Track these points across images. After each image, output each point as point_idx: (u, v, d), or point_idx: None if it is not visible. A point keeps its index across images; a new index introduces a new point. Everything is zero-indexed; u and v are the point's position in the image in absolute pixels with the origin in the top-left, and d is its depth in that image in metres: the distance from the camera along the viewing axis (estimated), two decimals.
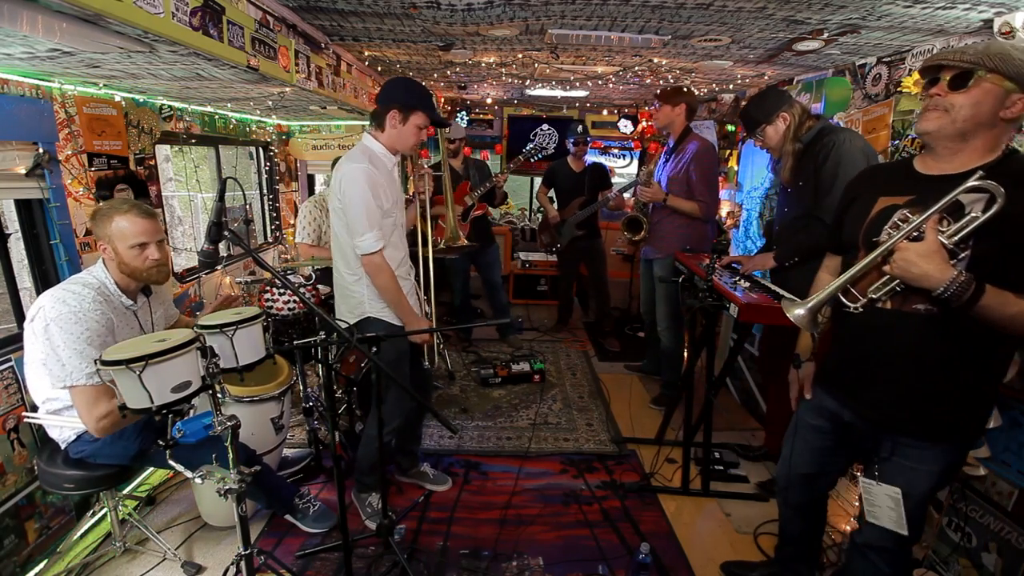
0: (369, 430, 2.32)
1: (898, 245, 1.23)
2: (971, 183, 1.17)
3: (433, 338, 2.19)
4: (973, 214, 1.18)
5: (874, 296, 1.31)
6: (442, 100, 5.30)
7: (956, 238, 1.19)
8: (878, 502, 1.45)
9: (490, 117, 5.60)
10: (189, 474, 1.55)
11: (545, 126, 5.58)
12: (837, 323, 1.49)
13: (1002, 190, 1.13)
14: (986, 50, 1.17)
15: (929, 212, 1.21)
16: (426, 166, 2.24)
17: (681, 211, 3.13)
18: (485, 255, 4.23)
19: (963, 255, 1.21)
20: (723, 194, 4.33)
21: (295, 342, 1.91)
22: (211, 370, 1.48)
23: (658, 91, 3.18)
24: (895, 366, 1.36)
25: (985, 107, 1.19)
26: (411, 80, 2.15)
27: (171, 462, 1.61)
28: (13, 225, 2.21)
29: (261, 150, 4.14)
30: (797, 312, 1.37)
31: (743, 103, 2.65)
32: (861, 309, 1.34)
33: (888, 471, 1.43)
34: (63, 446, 1.88)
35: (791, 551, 1.87)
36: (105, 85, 2.23)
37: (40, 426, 1.94)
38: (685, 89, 3.21)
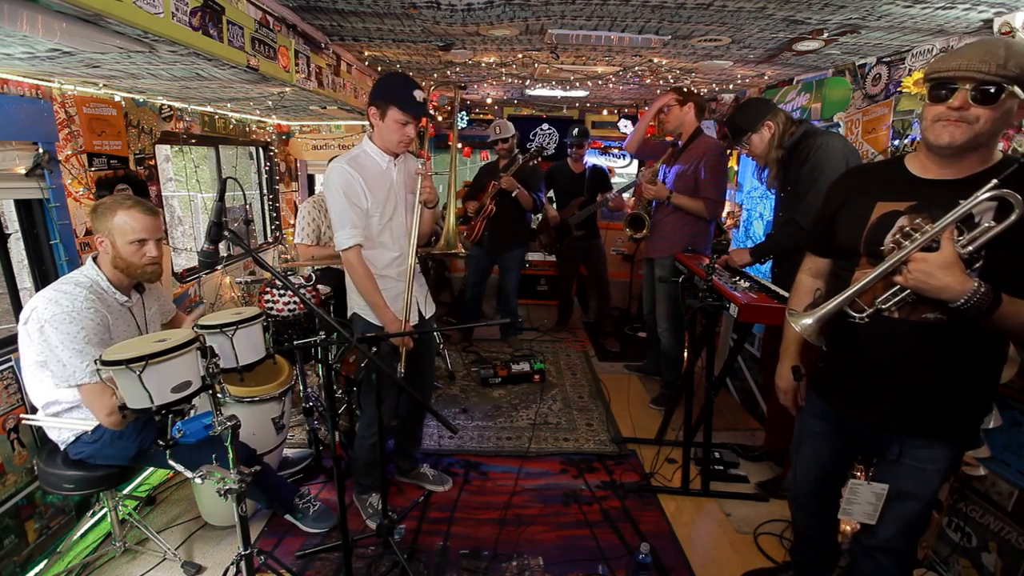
0: (359, 431, 2.32)
1: (913, 256, 1.20)
2: (990, 193, 1.13)
3: (411, 343, 2.16)
4: (987, 224, 1.16)
5: (882, 307, 1.29)
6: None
7: (971, 247, 1.17)
8: (859, 500, 1.47)
9: (490, 117, 5.60)
10: (189, 474, 1.55)
11: (545, 126, 5.58)
12: (836, 332, 1.46)
13: (1021, 199, 1.11)
14: (1012, 58, 1.11)
15: (946, 221, 1.17)
16: (422, 165, 2.18)
17: (685, 209, 3.11)
18: (504, 259, 4.19)
19: (976, 265, 1.19)
20: None
21: (295, 342, 1.91)
22: (211, 370, 1.48)
23: (671, 88, 3.18)
24: (904, 373, 1.34)
25: (1007, 120, 1.17)
26: (393, 74, 2.09)
27: (171, 462, 1.61)
28: (13, 225, 2.21)
29: (261, 150, 4.14)
30: (804, 323, 1.34)
31: (729, 112, 2.69)
32: (867, 319, 1.32)
33: (897, 473, 1.42)
34: (62, 447, 1.88)
35: (810, 554, 1.86)
36: (105, 85, 2.22)
37: (39, 426, 1.94)
38: (694, 91, 3.22)
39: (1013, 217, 1.12)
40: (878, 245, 1.31)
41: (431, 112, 2.07)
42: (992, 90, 1.12)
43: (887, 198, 1.33)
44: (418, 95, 1.99)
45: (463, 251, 2.20)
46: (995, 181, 1.13)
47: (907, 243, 1.21)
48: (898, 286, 1.25)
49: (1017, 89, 1.11)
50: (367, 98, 2.09)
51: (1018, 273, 1.17)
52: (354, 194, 2.03)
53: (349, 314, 2.26)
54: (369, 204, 2.07)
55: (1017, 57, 1.11)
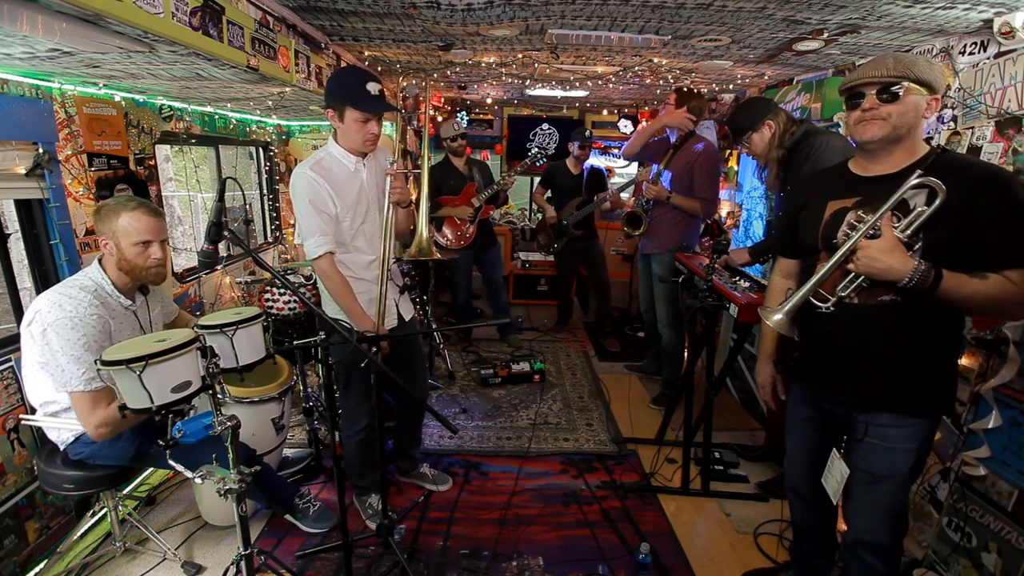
0: (342, 432, 2.27)
1: (859, 244, 1.34)
2: (915, 181, 1.30)
3: (388, 347, 2.15)
4: (919, 208, 1.31)
5: (843, 294, 1.41)
6: (442, 100, 5.30)
7: (908, 231, 1.32)
8: (834, 471, 1.59)
9: (490, 117, 5.60)
10: (189, 474, 1.55)
11: (545, 126, 5.58)
12: (808, 323, 1.56)
13: (943, 185, 1.26)
14: (898, 63, 1.32)
15: (881, 210, 1.33)
16: (391, 164, 2.05)
17: (683, 209, 3.23)
18: (487, 255, 4.26)
19: (917, 246, 1.33)
20: (723, 194, 4.34)
21: (295, 342, 1.91)
22: (211, 370, 1.48)
23: (675, 89, 3.24)
24: (869, 354, 1.45)
25: (914, 111, 1.35)
26: (343, 70, 2.00)
27: (171, 462, 1.61)
28: (13, 225, 2.21)
29: (261, 150, 4.14)
30: (775, 317, 1.46)
31: (730, 111, 2.71)
32: (832, 308, 1.43)
33: (866, 454, 1.49)
34: (61, 447, 1.88)
35: (810, 547, 1.89)
36: (105, 85, 2.22)
37: (39, 427, 1.94)
38: (695, 91, 3.24)
39: (939, 200, 1.27)
40: (832, 239, 1.46)
41: (393, 104, 1.96)
42: (888, 94, 1.33)
43: (836, 197, 1.50)
44: (372, 88, 1.90)
45: (438, 255, 2.17)
46: (919, 171, 1.30)
47: (853, 234, 1.37)
48: (852, 273, 1.38)
49: (910, 84, 1.31)
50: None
51: (954, 249, 1.31)
52: (320, 201, 1.95)
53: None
54: (338, 209, 2.00)
55: (902, 61, 1.32)
